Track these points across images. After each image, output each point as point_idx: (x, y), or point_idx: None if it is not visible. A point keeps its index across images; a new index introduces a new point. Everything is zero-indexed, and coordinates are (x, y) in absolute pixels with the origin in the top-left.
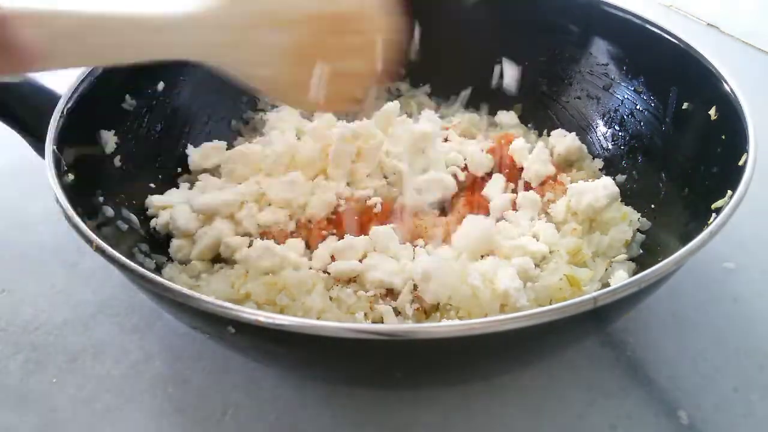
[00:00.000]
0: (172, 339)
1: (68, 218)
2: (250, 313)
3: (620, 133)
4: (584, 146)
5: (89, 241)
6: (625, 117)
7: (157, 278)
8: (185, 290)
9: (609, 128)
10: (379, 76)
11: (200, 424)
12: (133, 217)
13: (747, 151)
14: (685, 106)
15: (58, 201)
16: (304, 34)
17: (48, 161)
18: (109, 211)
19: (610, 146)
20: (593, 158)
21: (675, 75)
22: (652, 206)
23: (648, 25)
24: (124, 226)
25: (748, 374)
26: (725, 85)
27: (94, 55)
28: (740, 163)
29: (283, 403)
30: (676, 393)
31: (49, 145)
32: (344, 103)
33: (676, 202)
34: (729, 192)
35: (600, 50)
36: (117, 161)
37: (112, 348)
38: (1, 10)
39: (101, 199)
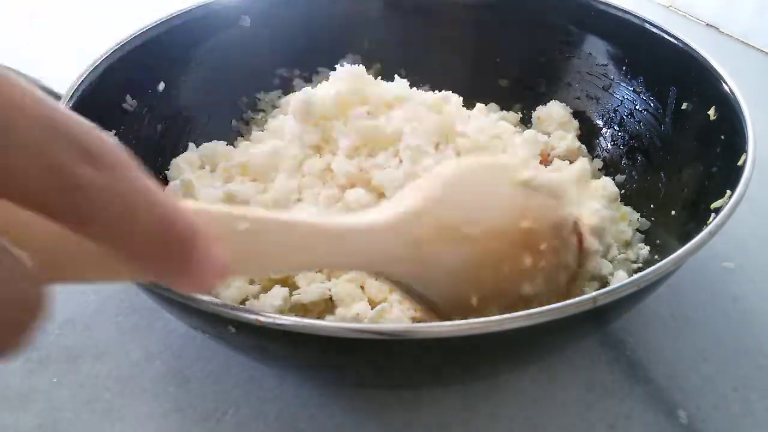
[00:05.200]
0: (172, 339)
1: None
2: (250, 312)
3: (620, 134)
4: (584, 146)
5: None
6: (624, 117)
7: None
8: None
9: (608, 128)
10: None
11: (200, 424)
12: None
13: (746, 151)
14: (684, 106)
15: None
16: (485, 252)
17: None
18: None
19: (610, 146)
20: (593, 158)
21: (674, 75)
22: (652, 206)
23: (647, 25)
24: None
25: (747, 374)
26: (724, 85)
27: (275, 263)
28: (739, 163)
29: (283, 403)
30: (676, 393)
31: None
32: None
33: (676, 202)
34: (728, 192)
35: (599, 50)
36: None
37: (113, 348)
38: (193, 223)
39: None
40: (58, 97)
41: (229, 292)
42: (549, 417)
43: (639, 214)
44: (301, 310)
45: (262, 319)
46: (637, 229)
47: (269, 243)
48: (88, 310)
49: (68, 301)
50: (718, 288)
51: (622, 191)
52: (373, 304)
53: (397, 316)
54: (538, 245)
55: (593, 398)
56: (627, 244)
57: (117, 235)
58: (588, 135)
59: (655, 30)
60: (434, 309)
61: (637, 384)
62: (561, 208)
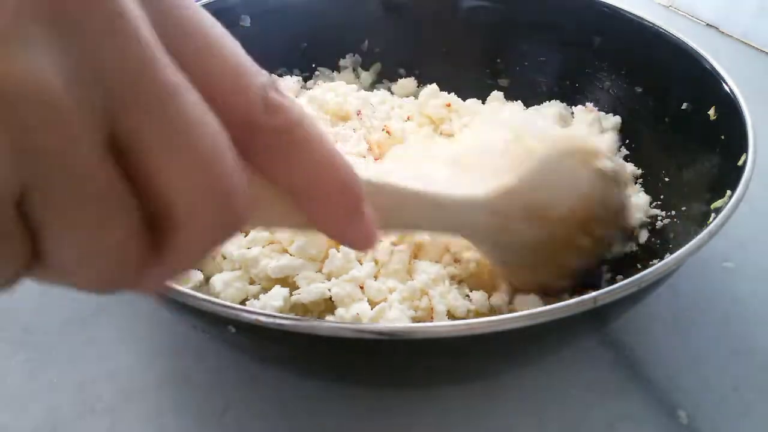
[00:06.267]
0: (172, 338)
1: None
2: (250, 312)
3: (619, 134)
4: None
5: None
6: (624, 117)
7: None
8: (185, 290)
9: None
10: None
11: (200, 424)
12: None
13: (746, 152)
14: (684, 106)
15: None
16: (556, 232)
17: None
18: None
19: (609, 146)
20: None
21: (674, 75)
22: (652, 206)
23: (648, 25)
24: None
25: (747, 374)
26: (725, 85)
27: (392, 225)
28: (739, 163)
29: (283, 403)
30: (676, 393)
31: None
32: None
33: (676, 202)
34: (728, 192)
35: (598, 50)
36: None
37: (112, 348)
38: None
39: None
40: None
41: (229, 292)
42: (549, 417)
43: None
44: (301, 310)
45: (262, 319)
46: None
47: (385, 207)
48: (88, 310)
49: (68, 301)
50: (718, 288)
51: None
52: (373, 304)
53: (397, 316)
54: (596, 229)
55: (593, 398)
56: None
57: (305, 183)
58: None
59: (655, 30)
60: (502, 268)
61: (637, 384)
62: (620, 195)
